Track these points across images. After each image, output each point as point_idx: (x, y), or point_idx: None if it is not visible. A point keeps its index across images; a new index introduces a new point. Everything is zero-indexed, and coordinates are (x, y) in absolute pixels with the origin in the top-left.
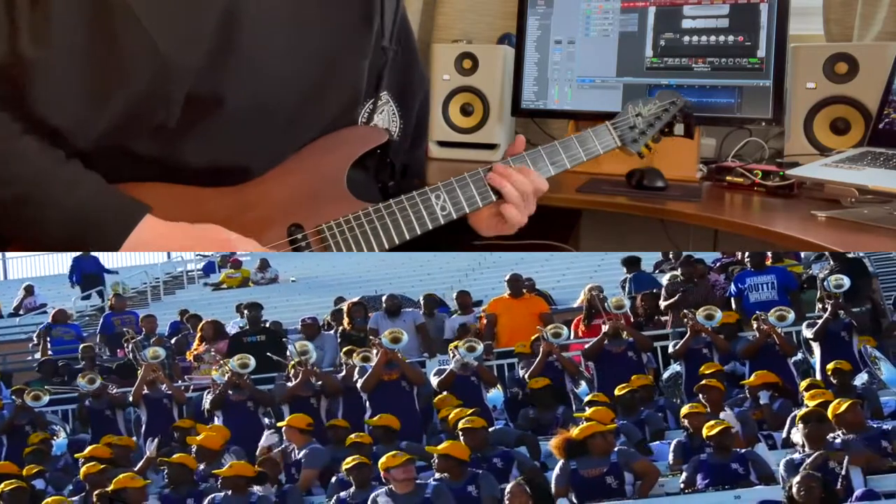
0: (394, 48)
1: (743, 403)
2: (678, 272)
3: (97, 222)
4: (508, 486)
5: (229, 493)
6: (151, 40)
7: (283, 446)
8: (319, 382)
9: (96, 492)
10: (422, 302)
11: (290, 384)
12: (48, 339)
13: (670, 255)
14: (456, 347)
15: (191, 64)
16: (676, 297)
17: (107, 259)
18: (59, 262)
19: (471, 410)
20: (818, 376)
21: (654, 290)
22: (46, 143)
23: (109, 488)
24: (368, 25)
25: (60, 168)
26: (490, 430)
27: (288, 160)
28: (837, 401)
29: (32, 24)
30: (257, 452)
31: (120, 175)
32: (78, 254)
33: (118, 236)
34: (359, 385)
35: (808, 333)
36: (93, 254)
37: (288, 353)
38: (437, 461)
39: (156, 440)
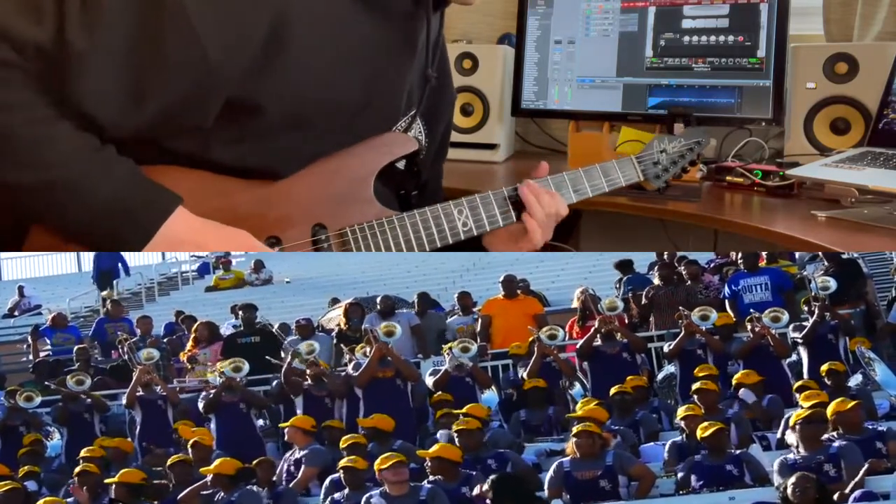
0: (435, 74)
1: (735, 404)
2: (655, 275)
3: (128, 210)
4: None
5: (220, 494)
6: (200, 44)
7: None
8: (326, 381)
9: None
10: (415, 301)
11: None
12: (43, 341)
13: (664, 256)
14: (450, 348)
15: (235, 71)
16: (649, 300)
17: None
18: (54, 264)
19: (467, 409)
20: (805, 377)
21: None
22: (81, 129)
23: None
24: (413, 50)
25: (94, 154)
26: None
27: (317, 161)
28: (841, 399)
29: (83, 14)
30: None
31: (145, 164)
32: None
33: (150, 227)
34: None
35: (795, 336)
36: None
37: (282, 353)
38: (430, 464)
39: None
